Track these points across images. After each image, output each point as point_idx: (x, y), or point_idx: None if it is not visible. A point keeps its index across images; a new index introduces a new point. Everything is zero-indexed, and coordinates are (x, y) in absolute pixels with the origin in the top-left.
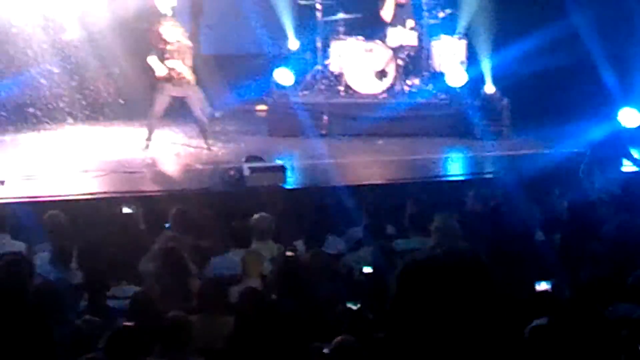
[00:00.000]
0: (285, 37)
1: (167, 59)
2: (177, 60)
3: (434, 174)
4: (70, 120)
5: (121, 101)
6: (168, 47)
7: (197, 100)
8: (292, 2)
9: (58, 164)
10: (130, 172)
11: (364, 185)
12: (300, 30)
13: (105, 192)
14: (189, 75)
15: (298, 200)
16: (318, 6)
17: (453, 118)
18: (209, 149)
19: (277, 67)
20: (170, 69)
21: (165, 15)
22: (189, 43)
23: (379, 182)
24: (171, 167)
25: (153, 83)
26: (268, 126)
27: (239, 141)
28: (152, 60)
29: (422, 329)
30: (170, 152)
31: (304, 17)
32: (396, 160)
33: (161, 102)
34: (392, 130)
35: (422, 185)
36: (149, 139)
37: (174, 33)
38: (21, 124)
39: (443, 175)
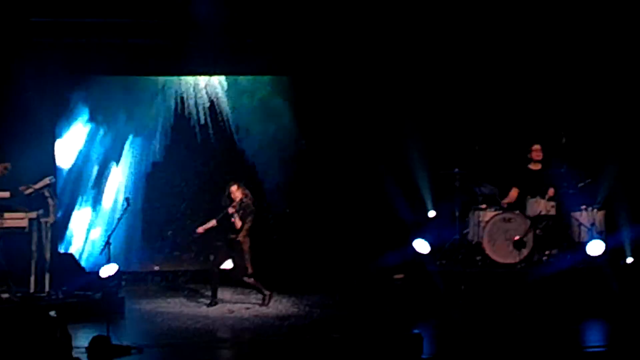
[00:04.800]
0: (423, 206)
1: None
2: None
3: (574, 345)
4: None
5: None
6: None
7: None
8: (431, 172)
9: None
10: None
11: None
12: (438, 199)
13: None
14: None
15: None
16: (457, 176)
17: (592, 288)
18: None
19: (415, 235)
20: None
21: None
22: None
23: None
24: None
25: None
26: (405, 295)
27: (376, 310)
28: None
29: None
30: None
31: (443, 187)
32: (534, 331)
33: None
34: (530, 300)
35: (563, 356)
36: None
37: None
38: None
39: (584, 347)
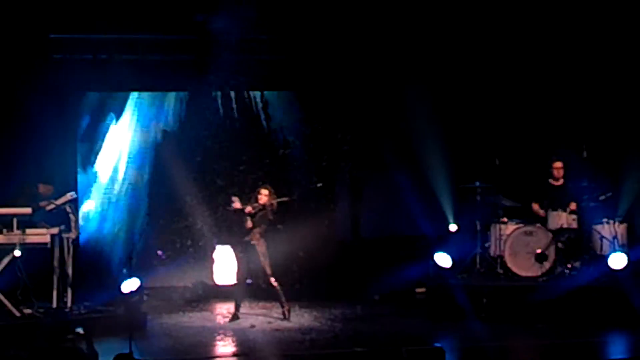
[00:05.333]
0: (444, 219)
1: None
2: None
3: (596, 357)
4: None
5: None
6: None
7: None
8: (452, 186)
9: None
10: None
11: None
12: (459, 213)
13: None
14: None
15: None
16: (478, 189)
17: (615, 302)
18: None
19: (437, 249)
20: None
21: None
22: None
23: None
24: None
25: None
26: (427, 308)
27: (398, 323)
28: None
29: None
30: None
31: (464, 200)
32: (557, 344)
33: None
34: (552, 313)
35: None
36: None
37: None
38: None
39: (607, 359)
